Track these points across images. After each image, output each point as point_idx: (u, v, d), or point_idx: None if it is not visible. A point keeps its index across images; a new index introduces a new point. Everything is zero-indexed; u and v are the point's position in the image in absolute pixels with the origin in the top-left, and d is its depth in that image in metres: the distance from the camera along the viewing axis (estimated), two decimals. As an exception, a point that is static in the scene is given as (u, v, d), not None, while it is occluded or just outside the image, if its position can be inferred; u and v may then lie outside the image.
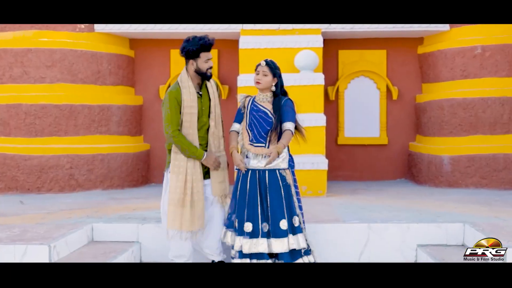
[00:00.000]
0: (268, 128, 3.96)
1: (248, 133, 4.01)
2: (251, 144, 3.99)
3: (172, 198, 3.96)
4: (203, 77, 4.01)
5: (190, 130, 3.96)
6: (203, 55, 3.95)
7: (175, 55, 7.60)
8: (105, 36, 7.31)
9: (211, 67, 3.99)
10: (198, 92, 4.03)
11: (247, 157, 4.01)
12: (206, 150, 4.03)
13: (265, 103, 4.01)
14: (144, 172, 7.64)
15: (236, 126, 4.10)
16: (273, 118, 3.95)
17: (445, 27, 7.17)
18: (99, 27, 7.14)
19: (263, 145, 3.97)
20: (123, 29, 7.14)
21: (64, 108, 6.93)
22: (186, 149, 3.92)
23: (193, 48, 3.92)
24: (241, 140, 4.05)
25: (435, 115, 7.27)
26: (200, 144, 4.01)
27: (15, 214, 5.32)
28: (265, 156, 3.95)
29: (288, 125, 3.95)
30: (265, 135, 3.97)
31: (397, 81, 7.82)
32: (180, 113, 3.96)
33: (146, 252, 4.71)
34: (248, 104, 4.06)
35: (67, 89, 7.01)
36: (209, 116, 4.05)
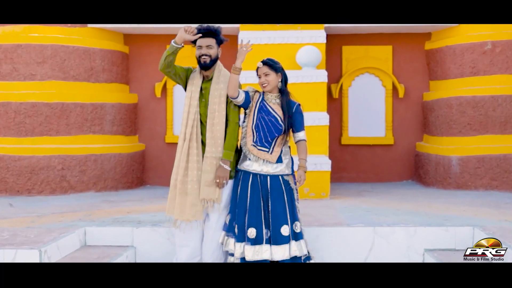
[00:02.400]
0: (276, 135, 3.98)
1: (253, 133, 3.98)
2: (254, 146, 3.97)
3: (170, 183, 4.05)
4: (198, 64, 4.04)
5: (190, 115, 3.99)
6: (197, 42, 4.00)
7: (172, 51, 7.61)
8: (98, 32, 7.31)
9: (203, 55, 3.97)
10: (204, 81, 4.07)
11: (248, 159, 4.00)
12: (203, 142, 4.03)
13: (275, 105, 4.01)
14: (139, 174, 7.65)
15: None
16: (283, 126, 3.96)
17: (453, 22, 7.19)
18: (92, 22, 7.16)
19: (267, 150, 3.97)
20: (117, 25, 7.14)
21: (55, 107, 6.93)
22: (163, 57, 3.97)
23: None
24: (244, 138, 4.03)
25: (443, 113, 7.27)
26: (202, 139, 4.03)
27: (4, 217, 5.32)
28: (266, 162, 3.96)
29: (302, 135, 4.05)
30: (270, 140, 3.97)
31: (403, 79, 7.83)
32: (184, 80, 4.09)
33: (141, 257, 4.71)
34: (257, 101, 4.02)
35: (58, 87, 7.01)
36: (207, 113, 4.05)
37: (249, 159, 4.00)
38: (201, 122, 4.05)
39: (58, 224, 4.91)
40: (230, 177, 4.06)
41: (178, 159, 4.03)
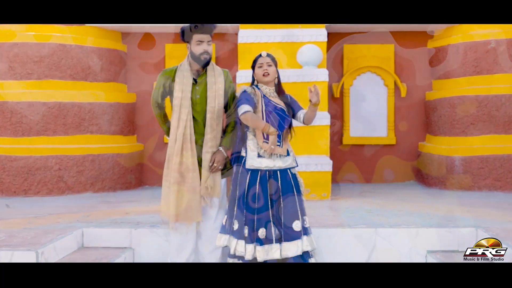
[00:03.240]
0: (286, 126, 4.02)
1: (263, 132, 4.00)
2: (266, 142, 3.97)
3: (163, 185, 4.05)
4: (198, 62, 3.96)
5: (182, 116, 3.94)
6: (195, 37, 3.90)
7: (170, 50, 7.60)
8: (96, 30, 7.32)
9: (205, 52, 3.91)
10: (194, 79, 4.00)
11: (259, 156, 3.99)
12: (202, 145, 4.00)
13: (276, 98, 4.07)
14: (137, 174, 7.65)
15: (250, 108, 3.93)
16: (290, 116, 4.05)
17: (456, 20, 7.19)
18: (89, 20, 7.16)
19: (279, 144, 4.00)
20: (115, 23, 7.13)
21: (52, 106, 6.93)
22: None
23: (185, 29, 3.94)
24: (252, 138, 4.02)
25: (446, 113, 7.28)
26: (196, 138, 3.99)
27: (0, 218, 5.32)
28: (279, 156, 3.99)
29: (305, 110, 4.14)
30: (280, 134, 4.01)
31: (405, 78, 7.83)
32: (168, 95, 4.10)
33: (140, 258, 4.71)
34: (260, 98, 4.02)
35: (55, 86, 7.01)
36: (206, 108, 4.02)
37: (260, 156, 3.98)
38: (194, 118, 3.99)
39: (55, 226, 4.91)
40: (225, 167, 4.05)
41: (171, 161, 3.96)
